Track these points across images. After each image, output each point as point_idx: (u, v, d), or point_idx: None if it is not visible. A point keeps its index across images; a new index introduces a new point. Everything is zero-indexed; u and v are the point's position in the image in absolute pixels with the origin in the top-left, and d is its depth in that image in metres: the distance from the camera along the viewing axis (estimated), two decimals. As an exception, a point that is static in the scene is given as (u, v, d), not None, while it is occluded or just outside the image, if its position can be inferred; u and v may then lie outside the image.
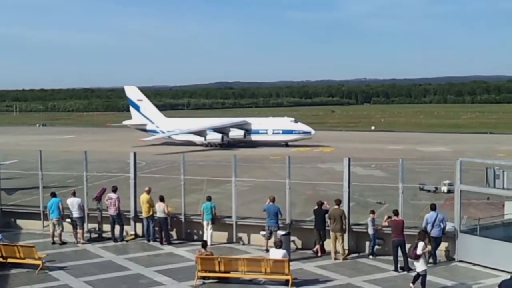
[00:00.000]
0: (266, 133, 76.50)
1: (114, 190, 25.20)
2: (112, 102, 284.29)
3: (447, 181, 35.38)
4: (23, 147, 63.63)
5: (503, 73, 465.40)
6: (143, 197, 24.85)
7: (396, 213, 21.46)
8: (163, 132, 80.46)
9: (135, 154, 26.04)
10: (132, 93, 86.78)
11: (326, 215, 22.52)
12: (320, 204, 22.91)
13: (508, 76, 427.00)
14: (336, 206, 22.33)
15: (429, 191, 36.60)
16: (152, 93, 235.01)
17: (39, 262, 20.74)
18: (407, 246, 20.18)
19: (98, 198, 25.47)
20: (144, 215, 24.94)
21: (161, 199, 24.59)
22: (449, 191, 33.45)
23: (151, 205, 24.65)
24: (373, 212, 22.98)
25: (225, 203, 26.21)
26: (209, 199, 24.56)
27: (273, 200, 23.21)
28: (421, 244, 18.14)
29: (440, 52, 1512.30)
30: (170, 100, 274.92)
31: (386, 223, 21.97)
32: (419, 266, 18.26)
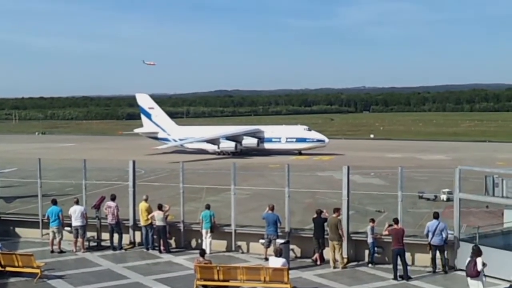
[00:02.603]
0: (280, 141, 76.36)
1: (113, 198, 25.17)
2: (111, 111, 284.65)
3: (446, 190, 35.39)
4: (22, 155, 63.57)
5: (502, 81, 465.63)
6: (142, 205, 24.82)
7: (396, 221, 21.42)
8: (175, 140, 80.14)
9: (134, 162, 26.01)
10: (144, 101, 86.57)
11: (325, 224, 22.51)
12: (319, 212, 22.87)
13: (507, 84, 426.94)
14: (334, 215, 22.31)
15: (428, 199, 36.59)
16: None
17: (37, 270, 20.67)
18: (407, 254, 20.14)
19: (97, 207, 25.44)
20: (142, 223, 24.90)
21: (160, 207, 24.56)
22: (448, 199, 33.48)
23: (149, 213, 24.62)
24: (372, 220, 22.93)
25: (224, 212, 26.19)
26: (208, 207, 24.51)
27: (272, 208, 23.18)
28: (479, 260, 17.21)
29: (439, 60, 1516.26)
30: (169, 108, 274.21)
31: (386, 232, 21.92)
32: (476, 284, 17.29)
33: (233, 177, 24.51)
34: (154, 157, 70.74)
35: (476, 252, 17.43)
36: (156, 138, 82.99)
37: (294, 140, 76.07)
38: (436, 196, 36.36)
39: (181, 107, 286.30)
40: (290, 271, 19.51)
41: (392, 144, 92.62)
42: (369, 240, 22.34)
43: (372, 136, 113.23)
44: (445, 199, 35.27)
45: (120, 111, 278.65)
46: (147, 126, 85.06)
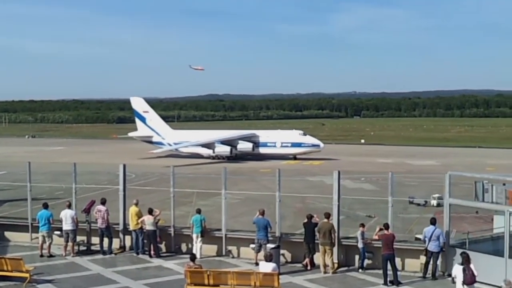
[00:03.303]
0: (275, 146, 76.25)
1: (103, 202, 25.10)
2: (102, 114, 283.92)
3: (436, 195, 35.44)
4: (12, 159, 63.25)
5: (492, 87, 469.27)
6: (132, 210, 24.75)
7: (386, 226, 21.45)
8: (169, 144, 79.86)
9: (124, 166, 25.93)
10: (138, 104, 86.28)
11: (316, 229, 22.52)
12: (310, 217, 22.89)
13: (497, 90, 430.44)
14: (325, 220, 22.32)
15: (418, 204, 36.67)
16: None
17: (26, 275, 20.54)
18: (397, 259, 20.15)
19: (87, 211, 25.36)
20: (132, 227, 24.82)
21: (150, 211, 24.50)
22: (438, 205, 33.53)
23: (140, 217, 24.55)
24: (362, 225, 22.97)
25: (215, 216, 26.13)
26: (198, 211, 24.49)
27: (262, 213, 23.18)
28: (473, 266, 17.30)
29: (430, 66, 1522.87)
30: (160, 112, 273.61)
31: (376, 237, 21.96)
32: None
33: (224, 181, 24.49)
34: (148, 161, 70.64)
35: (467, 259, 17.46)
36: (151, 142, 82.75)
37: (289, 145, 76.02)
38: (426, 202, 36.43)
39: (172, 111, 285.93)
40: (281, 276, 19.50)
41: (383, 149, 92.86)
42: (360, 245, 22.38)
43: (362, 141, 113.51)
44: (435, 205, 35.30)
45: (110, 115, 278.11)
46: (141, 129, 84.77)
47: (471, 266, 17.28)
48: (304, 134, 78.46)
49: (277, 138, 77.38)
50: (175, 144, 78.94)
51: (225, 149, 74.55)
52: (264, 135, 78.64)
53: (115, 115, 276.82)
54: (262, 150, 76.29)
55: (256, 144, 76.21)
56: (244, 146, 75.52)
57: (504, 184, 32.33)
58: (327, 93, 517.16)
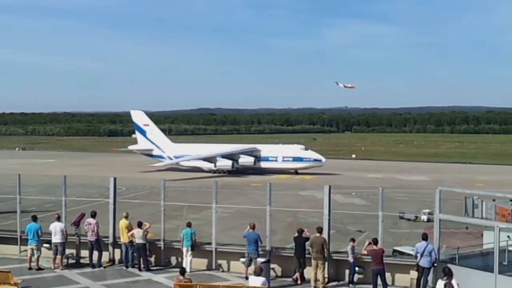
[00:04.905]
0: (276, 161, 76.07)
1: (93, 215, 24.98)
2: (93, 127, 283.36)
3: (427, 210, 35.61)
4: (1, 171, 62.84)
5: (482, 104, 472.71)
6: (122, 223, 24.65)
7: (375, 242, 21.42)
8: (170, 158, 79.54)
9: (115, 179, 25.84)
10: (139, 117, 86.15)
11: (307, 243, 22.48)
12: (301, 231, 22.86)
13: (487, 107, 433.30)
14: (318, 234, 22.29)
15: (409, 219, 36.77)
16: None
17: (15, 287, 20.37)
18: (387, 274, 20.09)
19: (77, 223, 25.19)
20: (123, 240, 24.71)
21: (139, 225, 24.40)
22: (428, 220, 33.67)
23: (130, 230, 24.44)
24: (353, 240, 22.96)
25: (205, 230, 26.08)
26: (189, 225, 24.43)
27: (253, 227, 23.14)
28: (455, 282, 16.97)
29: (420, 82, 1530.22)
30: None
31: (365, 251, 21.94)
32: None
33: (215, 195, 24.45)
34: (148, 174, 70.24)
35: (449, 273, 17.13)
36: (151, 155, 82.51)
37: (291, 159, 75.86)
38: (416, 217, 36.56)
39: (163, 125, 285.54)
40: (271, 290, 19.43)
41: (373, 165, 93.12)
42: (350, 259, 22.35)
43: (353, 156, 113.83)
44: (425, 220, 35.47)
45: (101, 128, 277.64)
46: (141, 143, 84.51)
47: (453, 281, 17.02)
48: (306, 149, 78.35)
49: (279, 153, 77.25)
50: (176, 157, 78.67)
51: (226, 163, 74.28)
52: (265, 149, 78.51)
53: (106, 128, 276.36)
54: (264, 164, 76.11)
55: (258, 159, 76.03)
56: (246, 160, 75.35)
57: (493, 200, 32.48)
58: (318, 108, 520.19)
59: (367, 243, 22.18)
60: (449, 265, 21.02)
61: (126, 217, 24.77)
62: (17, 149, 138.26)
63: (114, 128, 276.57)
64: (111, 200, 25.56)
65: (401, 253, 23.70)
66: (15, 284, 20.45)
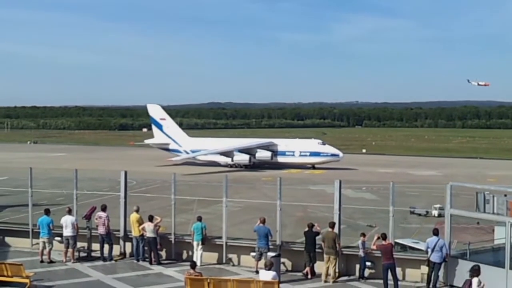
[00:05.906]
0: (293, 155, 75.78)
1: (104, 208, 25.09)
2: (104, 121, 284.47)
3: (437, 205, 35.47)
4: (13, 164, 63.35)
5: (493, 99, 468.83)
6: (133, 216, 24.74)
7: (384, 237, 21.36)
8: (186, 152, 79.57)
9: (126, 173, 25.94)
10: (155, 111, 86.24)
11: (317, 238, 22.49)
12: (311, 226, 22.87)
13: (499, 102, 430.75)
14: (330, 229, 22.28)
15: (419, 214, 36.68)
16: (144, 112, 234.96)
17: (26, 280, 20.51)
18: (398, 269, 20.06)
19: (88, 217, 25.33)
20: (134, 234, 24.82)
21: (150, 219, 24.49)
22: (439, 215, 33.52)
23: (140, 224, 24.54)
24: (363, 235, 22.93)
25: (216, 224, 26.14)
26: (199, 219, 24.47)
27: (263, 221, 23.16)
28: (475, 280, 16.72)
29: (431, 76, 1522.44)
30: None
31: (374, 246, 21.89)
32: None
33: (225, 189, 24.48)
34: (164, 168, 70.29)
35: (475, 272, 16.90)
36: (168, 150, 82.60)
37: (308, 154, 75.55)
38: (427, 212, 36.44)
39: (174, 119, 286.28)
40: (281, 285, 19.42)
41: (384, 159, 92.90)
42: (361, 254, 22.34)
43: (364, 150, 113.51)
44: (436, 215, 35.33)
45: (112, 122, 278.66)
46: (158, 137, 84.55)
47: (474, 280, 16.73)
48: (323, 144, 78.04)
49: (296, 147, 76.94)
50: (192, 151, 78.66)
51: (243, 158, 74.20)
52: (282, 144, 78.21)
53: (117, 122, 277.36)
54: (281, 159, 75.84)
55: (275, 153, 75.81)
56: (263, 154, 75.12)
57: (505, 195, 32.31)
58: (329, 103, 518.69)
59: (375, 238, 22.14)
60: (460, 260, 21.03)
61: (137, 211, 24.86)
62: (28, 142, 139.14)
63: (125, 122, 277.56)
64: (122, 194, 25.66)
65: (403, 246, 23.71)
66: (27, 276, 20.63)
